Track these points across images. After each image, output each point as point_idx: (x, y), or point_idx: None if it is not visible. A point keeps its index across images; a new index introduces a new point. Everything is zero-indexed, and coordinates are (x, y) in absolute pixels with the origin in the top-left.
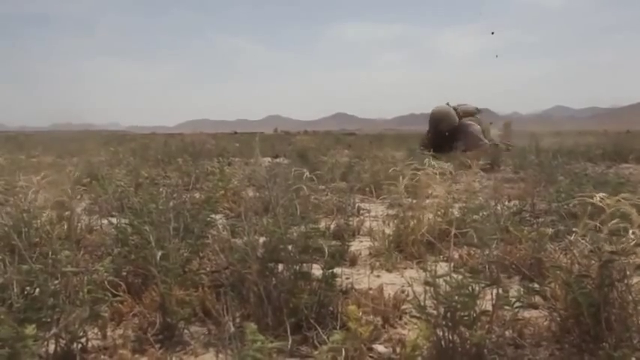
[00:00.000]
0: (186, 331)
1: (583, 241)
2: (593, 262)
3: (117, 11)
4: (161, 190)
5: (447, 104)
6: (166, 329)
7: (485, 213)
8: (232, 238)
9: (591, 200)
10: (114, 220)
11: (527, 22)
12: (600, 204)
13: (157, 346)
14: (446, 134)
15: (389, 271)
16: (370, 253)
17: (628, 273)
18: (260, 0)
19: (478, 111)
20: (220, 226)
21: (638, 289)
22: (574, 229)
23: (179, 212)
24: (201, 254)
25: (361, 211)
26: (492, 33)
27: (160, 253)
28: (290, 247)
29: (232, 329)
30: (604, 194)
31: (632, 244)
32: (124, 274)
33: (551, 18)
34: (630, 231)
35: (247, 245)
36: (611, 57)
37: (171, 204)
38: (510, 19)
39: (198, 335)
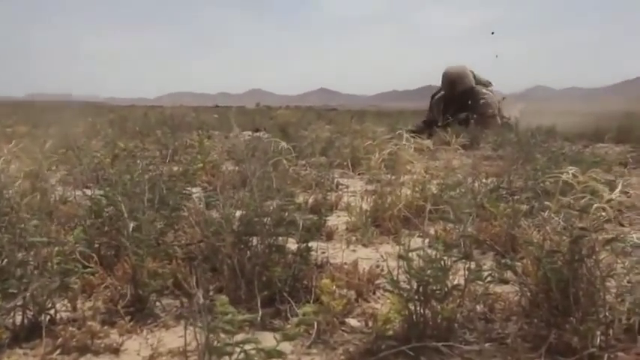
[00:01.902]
0: (158, 303)
1: (556, 218)
2: (564, 238)
3: None
4: (138, 162)
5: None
6: (138, 301)
7: (462, 189)
8: (208, 210)
9: (563, 177)
10: (89, 192)
11: (511, 1)
12: (571, 181)
13: (128, 318)
14: (457, 101)
15: (365, 245)
16: (347, 228)
17: (597, 249)
18: None
19: (490, 83)
20: (196, 199)
21: (606, 265)
22: (546, 204)
23: (154, 184)
24: (176, 227)
25: (340, 186)
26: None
27: (132, 225)
28: (265, 220)
29: (201, 301)
30: (575, 170)
31: (602, 220)
32: (97, 245)
33: None
34: (595, 205)
35: (222, 218)
36: (592, 38)
37: (146, 176)
38: None
39: (171, 308)
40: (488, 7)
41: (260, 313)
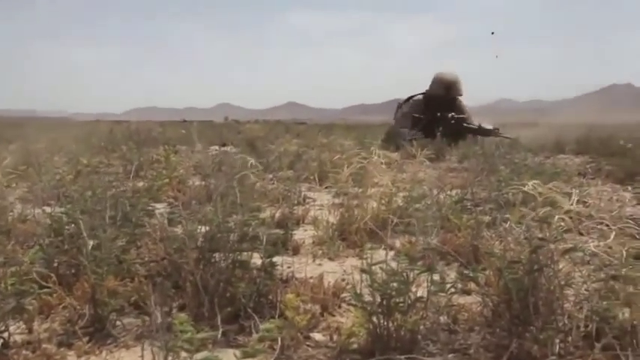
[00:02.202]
0: (118, 322)
1: (517, 229)
2: (524, 248)
3: None
4: (101, 178)
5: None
6: (97, 321)
7: (427, 202)
8: (172, 227)
9: (524, 189)
10: (49, 210)
11: (475, 15)
12: (532, 192)
13: (86, 339)
14: (442, 112)
15: (331, 259)
16: (313, 242)
17: (555, 258)
18: None
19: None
20: (159, 215)
21: (565, 273)
22: (506, 216)
23: (117, 200)
24: (139, 243)
25: (307, 200)
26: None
27: (91, 243)
28: (229, 235)
29: (159, 320)
30: (536, 182)
31: (561, 230)
32: (56, 265)
33: (498, 13)
34: (556, 217)
35: (186, 234)
36: (553, 54)
37: (109, 192)
38: (460, 12)
39: (132, 327)
40: (453, 22)
41: (220, 330)
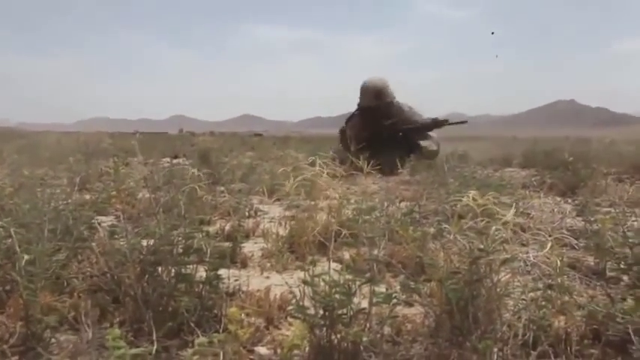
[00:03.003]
0: (54, 340)
1: (461, 240)
2: (465, 259)
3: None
4: (43, 190)
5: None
6: (31, 339)
7: (376, 214)
8: (117, 240)
9: (464, 200)
10: None
11: (430, 31)
12: (471, 204)
13: (15, 357)
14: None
15: (279, 272)
16: (262, 255)
17: (494, 269)
18: None
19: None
20: (101, 229)
21: (504, 283)
22: (445, 227)
23: (59, 213)
24: (80, 258)
25: (259, 213)
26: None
27: (25, 257)
28: (172, 248)
29: (90, 336)
30: (474, 193)
31: (500, 241)
32: None
33: (451, 29)
34: (494, 227)
35: (128, 248)
36: (503, 69)
37: (52, 205)
38: (413, 27)
39: (68, 344)
40: (408, 37)
41: (155, 345)
